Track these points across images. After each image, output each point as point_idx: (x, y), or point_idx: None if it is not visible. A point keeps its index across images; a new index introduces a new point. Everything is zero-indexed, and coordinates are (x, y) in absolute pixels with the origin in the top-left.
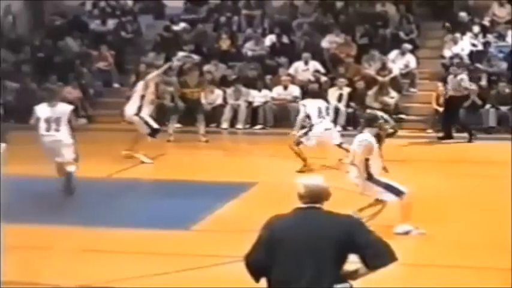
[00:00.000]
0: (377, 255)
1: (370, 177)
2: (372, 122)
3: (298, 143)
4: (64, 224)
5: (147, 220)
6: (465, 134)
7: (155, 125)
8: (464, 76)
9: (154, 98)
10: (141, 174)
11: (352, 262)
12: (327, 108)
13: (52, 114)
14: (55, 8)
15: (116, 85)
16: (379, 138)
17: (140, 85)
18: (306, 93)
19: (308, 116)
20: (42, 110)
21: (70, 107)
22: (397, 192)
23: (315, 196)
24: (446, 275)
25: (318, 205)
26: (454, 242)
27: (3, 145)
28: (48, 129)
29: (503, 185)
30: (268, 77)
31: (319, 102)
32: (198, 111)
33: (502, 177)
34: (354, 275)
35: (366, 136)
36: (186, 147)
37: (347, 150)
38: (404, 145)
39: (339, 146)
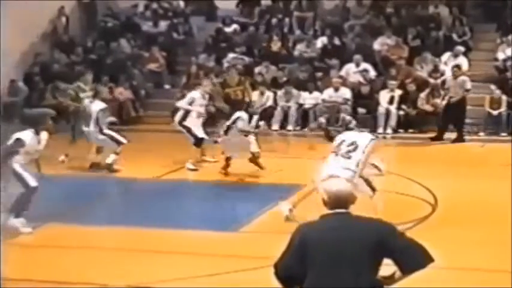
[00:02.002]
0: (411, 258)
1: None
2: None
3: None
4: (115, 224)
5: (197, 221)
6: None
7: (200, 134)
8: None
9: (202, 111)
10: (189, 176)
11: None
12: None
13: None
14: (108, 10)
15: (167, 86)
16: None
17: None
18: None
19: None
20: None
21: (100, 106)
22: (373, 189)
23: (342, 201)
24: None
25: (346, 210)
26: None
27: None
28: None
29: None
30: (319, 79)
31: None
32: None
33: None
34: (391, 279)
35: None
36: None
37: None
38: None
39: None
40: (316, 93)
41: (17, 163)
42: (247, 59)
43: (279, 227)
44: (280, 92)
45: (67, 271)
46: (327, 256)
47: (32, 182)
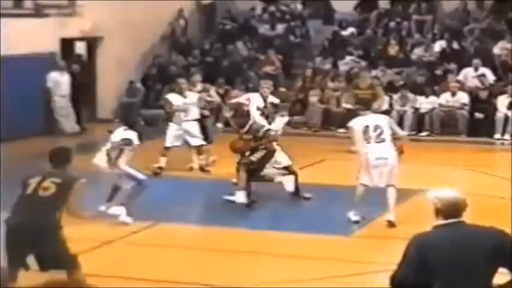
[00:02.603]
0: None
1: None
2: None
3: None
4: (237, 226)
5: (309, 224)
6: None
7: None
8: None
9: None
10: (303, 179)
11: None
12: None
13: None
14: (226, 12)
15: (282, 89)
16: None
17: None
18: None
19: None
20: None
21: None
22: None
23: (457, 210)
24: None
25: (460, 219)
26: None
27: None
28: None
29: None
30: (436, 83)
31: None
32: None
33: None
34: None
35: None
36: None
37: None
38: None
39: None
40: (432, 98)
41: (123, 162)
42: (363, 62)
43: (389, 233)
44: (396, 96)
45: (172, 270)
46: (448, 266)
47: (142, 176)
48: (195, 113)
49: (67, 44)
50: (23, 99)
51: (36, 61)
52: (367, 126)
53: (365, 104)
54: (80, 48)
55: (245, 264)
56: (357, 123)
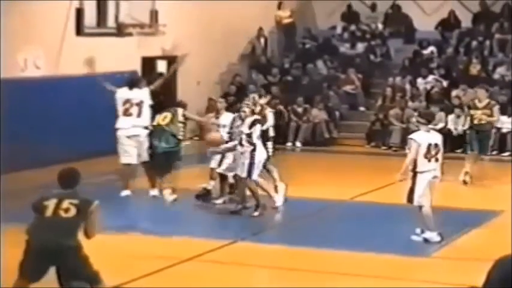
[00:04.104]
0: None
1: None
2: None
3: None
4: (307, 245)
5: (386, 244)
6: None
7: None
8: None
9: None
10: (382, 198)
11: None
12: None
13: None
14: (306, 32)
15: (362, 108)
16: None
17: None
18: None
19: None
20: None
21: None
22: None
23: None
24: None
25: None
26: None
27: None
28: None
29: None
30: None
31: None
32: (485, 138)
33: None
34: None
35: None
36: None
37: None
38: None
39: None
40: None
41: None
42: (445, 82)
43: (468, 254)
44: None
45: None
46: None
47: None
48: None
49: (148, 62)
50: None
51: (117, 79)
52: (430, 144)
53: (482, 125)
54: (161, 66)
55: (325, 285)
56: (421, 138)
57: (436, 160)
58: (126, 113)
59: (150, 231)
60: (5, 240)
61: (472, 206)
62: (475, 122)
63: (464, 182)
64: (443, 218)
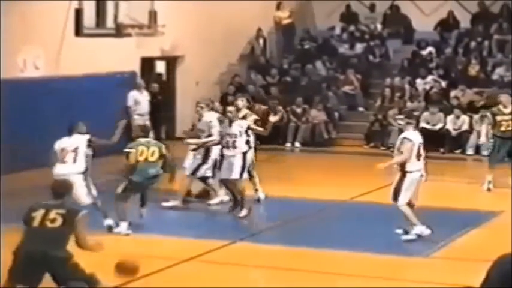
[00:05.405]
0: None
1: None
2: None
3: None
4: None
5: (386, 245)
6: None
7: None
8: None
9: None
10: (381, 199)
11: None
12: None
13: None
14: (305, 33)
15: (361, 109)
16: None
17: None
18: None
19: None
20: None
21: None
22: None
23: None
24: None
25: None
26: None
27: None
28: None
29: None
30: None
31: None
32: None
33: None
34: None
35: None
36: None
37: None
38: None
39: None
40: None
41: None
42: (443, 82)
43: (468, 255)
44: (476, 117)
45: None
46: None
47: None
48: None
49: (147, 62)
50: (103, 118)
51: (116, 80)
52: (420, 143)
53: (508, 131)
54: (160, 67)
55: (325, 285)
56: (415, 138)
57: (423, 159)
58: (62, 160)
59: (150, 231)
60: (5, 241)
61: (470, 206)
62: (502, 128)
63: (489, 190)
64: (443, 218)
